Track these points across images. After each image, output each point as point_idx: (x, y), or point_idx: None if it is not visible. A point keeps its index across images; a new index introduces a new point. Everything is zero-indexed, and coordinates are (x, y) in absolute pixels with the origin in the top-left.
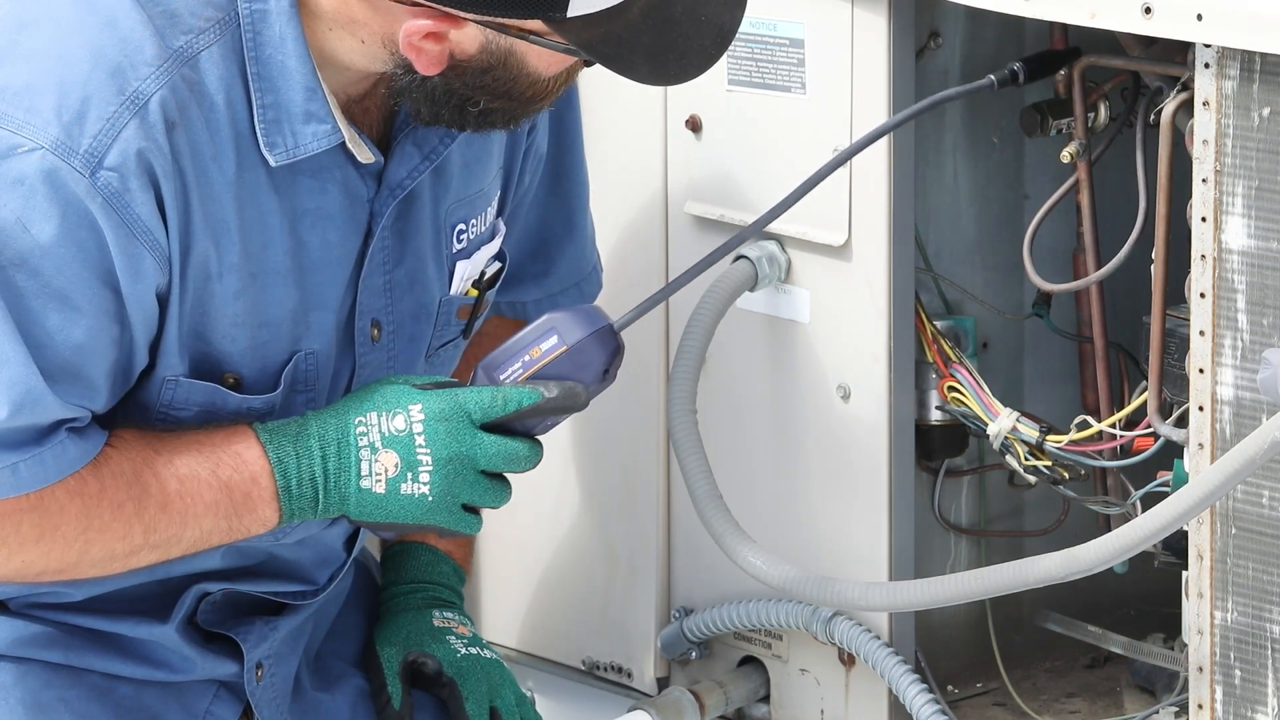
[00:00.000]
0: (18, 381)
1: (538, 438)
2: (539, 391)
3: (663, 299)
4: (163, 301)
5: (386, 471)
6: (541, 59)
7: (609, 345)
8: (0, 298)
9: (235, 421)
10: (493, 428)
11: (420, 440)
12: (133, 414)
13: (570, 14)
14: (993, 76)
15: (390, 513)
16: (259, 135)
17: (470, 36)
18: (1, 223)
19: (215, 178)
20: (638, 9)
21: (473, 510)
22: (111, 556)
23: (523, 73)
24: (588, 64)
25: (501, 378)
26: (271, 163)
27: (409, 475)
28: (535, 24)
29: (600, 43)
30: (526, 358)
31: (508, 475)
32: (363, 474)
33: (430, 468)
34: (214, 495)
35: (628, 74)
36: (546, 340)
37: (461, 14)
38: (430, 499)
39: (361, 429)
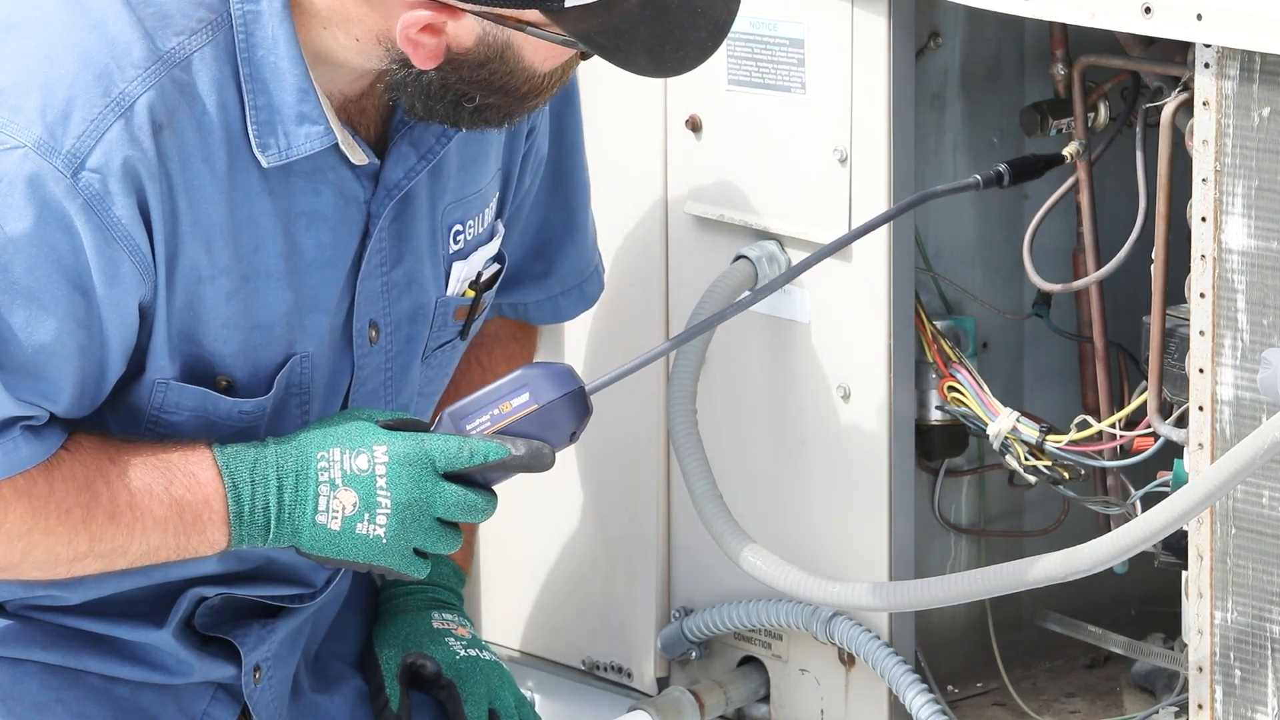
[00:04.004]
0: None
1: (493, 489)
2: (506, 448)
3: (639, 367)
4: (148, 306)
5: (344, 509)
6: (538, 53)
7: (579, 409)
8: None
9: (230, 428)
10: (453, 477)
11: (382, 483)
12: (125, 419)
13: (568, 4)
14: (978, 176)
15: (342, 550)
16: (251, 137)
17: (467, 29)
18: None
19: (205, 180)
20: (634, 0)
21: (421, 554)
22: (55, 560)
23: (519, 67)
24: (584, 57)
25: (468, 428)
26: (264, 164)
27: (366, 516)
28: (533, 15)
29: (597, 34)
30: (495, 411)
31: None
32: (319, 509)
33: (388, 511)
34: (164, 512)
35: (625, 65)
36: (518, 396)
37: (459, 5)
38: (384, 541)
39: (323, 464)
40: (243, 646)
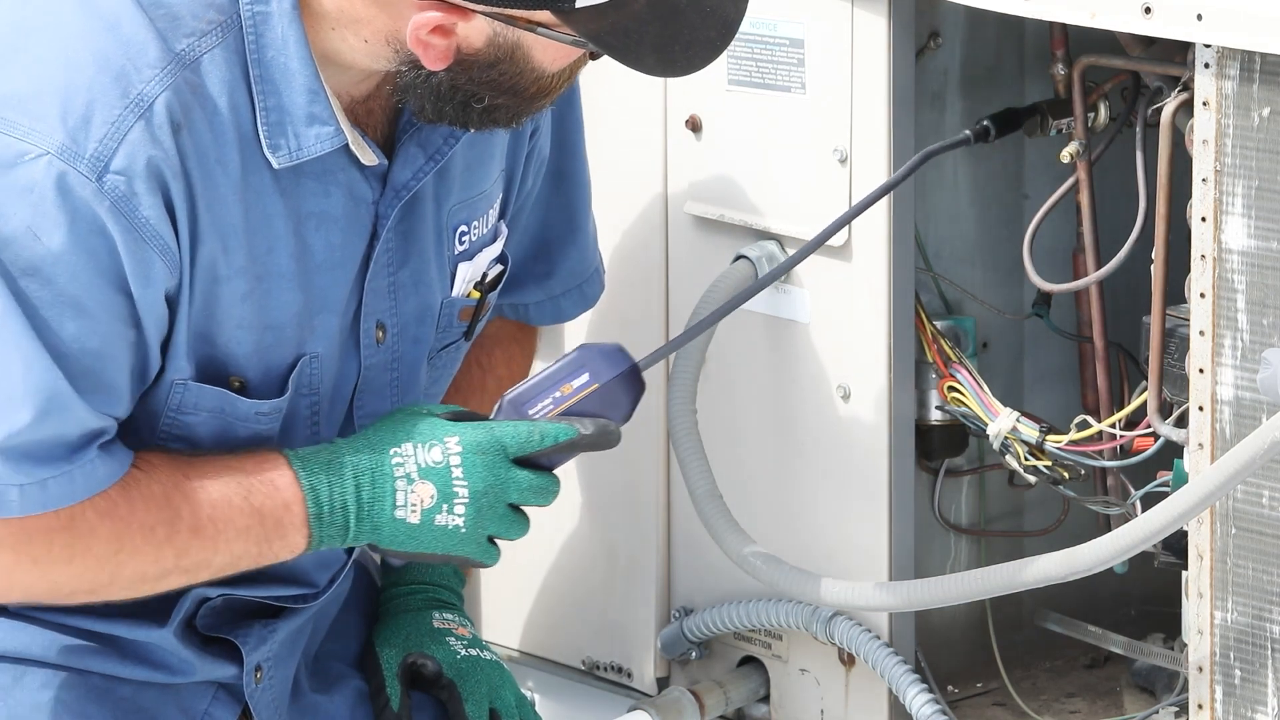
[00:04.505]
0: (43, 386)
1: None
2: (575, 428)
3: (685, 342)
4: (172, 303)
5: (422, 502)
6: (547, 53)
7: (636, 386)
8: (17, 307)
9: (246, 429)
10: (520, 462)
11: (458, 473)
12: (140, 421)
13: (579, 5)
14: (969, 131)
15: (422, 543)
16: (262, 138)
17: (477, 30)
18: (12, 232)
19: (220, 180)
20: (643, 0)
21: (492, 542)
22: (142, 579)
23: (528, 67)
24: (593, 57)
25: (531, 413)
26: (275, 165)
27: (444, 507)
28: (543, 15)
29: (608, 34)
30: (557, 394)
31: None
32: (397, 504)
33: (466, 500)
34: (245, 521)
35: (635, 65)
36: (577, 377)
37: (470, 6)
38: (463, 530)
39: (398, 459)
40: (244, 646)
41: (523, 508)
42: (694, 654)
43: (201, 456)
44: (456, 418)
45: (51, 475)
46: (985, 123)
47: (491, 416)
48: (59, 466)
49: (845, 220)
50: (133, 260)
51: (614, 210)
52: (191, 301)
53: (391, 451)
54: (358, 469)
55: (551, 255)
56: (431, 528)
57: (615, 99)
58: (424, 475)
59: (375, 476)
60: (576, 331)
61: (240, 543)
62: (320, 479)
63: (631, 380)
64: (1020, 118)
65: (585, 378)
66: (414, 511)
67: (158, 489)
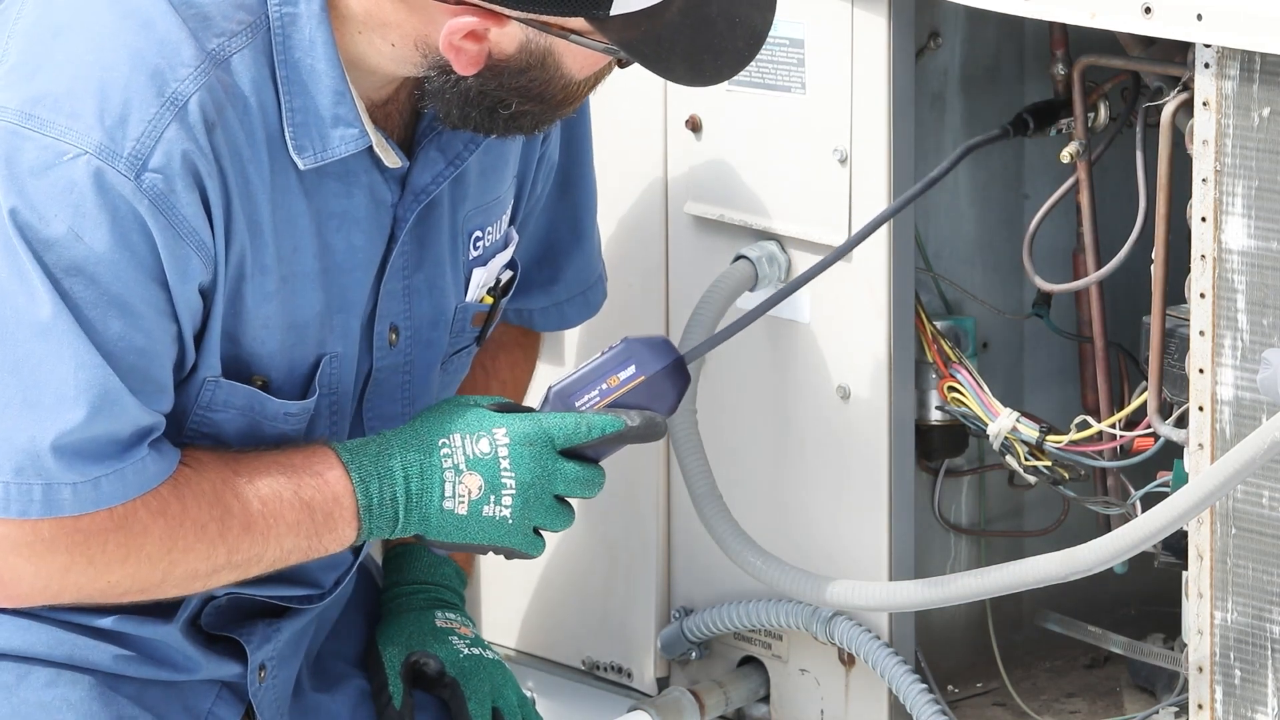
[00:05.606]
0: (95, 383)
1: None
2: (622, 420)
3: (732, 334)
4: (206, 298)
5: (470, 493)
6: (576, 60)
7: (681, 378)
8: (65, 307)
9: (273, 429)
10: (568, 453)
11: (505, 464)
12: (168, 418)
13: (613, 12)
14: (1008, 126)
15: (469, 534)
16: (288, 138)
17: (510, 36)
18: (54, 235)
19: (253, 178)
20: (675, 9)
21: (537, 534)
22: (194, 576)
23: (558, 74)
24: (621, 65)
25: (578, 404)
26: (300, 166)
27: (491, 498)
28: (577, 22)
29: (640, 42)
30: (604, 386)
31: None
32: (445, 495)
33: (513, 491)
34: (296, 515)
35: (665, 74)
36: (624, 369)
37: (507, 11)
38: (510, 521)
39: (446, 450)
40: (249, 645)
41: (569, 499)
42: (694, 654)
43: (249, 452)
44: (503, 409)
45: (104, 473)
46: (1024, 115)
47: (538, 408)
48: (111, 464)
49: (887, 216)
50: (171, 256)
51: (614, 210)
52: (221, 299)
53: (440, 442)
54: (406, 460)
55: (557, 261)
56: (479, 519)
57: (615, 99)
58: (472, 466)
59: (424, 468)
60: (578, 330)
61: (291, 537)
62: (370, 471)
63: (677, 372)
64: (1058, 110)
65: (631, 370)
66: (462, 503)
67: (208, 486)
